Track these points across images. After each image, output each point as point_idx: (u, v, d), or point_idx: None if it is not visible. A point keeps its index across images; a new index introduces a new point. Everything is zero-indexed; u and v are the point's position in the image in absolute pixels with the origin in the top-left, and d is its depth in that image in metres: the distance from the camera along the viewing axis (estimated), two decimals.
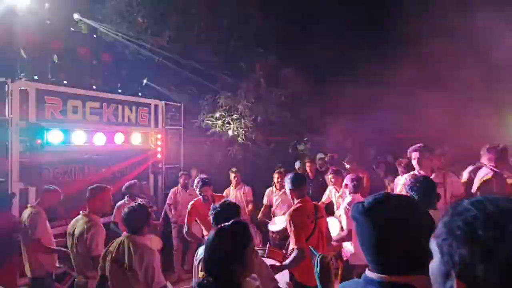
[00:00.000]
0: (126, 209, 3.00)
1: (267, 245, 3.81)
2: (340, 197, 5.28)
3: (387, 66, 8.32)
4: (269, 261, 3.32)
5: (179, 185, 6.50)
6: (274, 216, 6.03)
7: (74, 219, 3.63)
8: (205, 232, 4.73)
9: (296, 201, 3.37)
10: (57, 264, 4.29)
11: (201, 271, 2.65)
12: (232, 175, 6.60)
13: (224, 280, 1.70)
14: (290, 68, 9.18)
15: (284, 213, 5.86)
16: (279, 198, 6.15)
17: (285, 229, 5.27)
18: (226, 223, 1.89)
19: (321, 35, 9.30)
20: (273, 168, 6.98)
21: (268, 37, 9.34)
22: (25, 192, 4.98)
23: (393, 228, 1.11)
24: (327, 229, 3.59)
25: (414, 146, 3.73)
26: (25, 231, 4.06)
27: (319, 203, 3.77)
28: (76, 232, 3.48)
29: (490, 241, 0.69)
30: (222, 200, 3.09)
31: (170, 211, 6.42)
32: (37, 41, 6.19)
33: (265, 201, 6.30)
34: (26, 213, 4.16)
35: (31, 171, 4.96)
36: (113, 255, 2.88)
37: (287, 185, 3.42)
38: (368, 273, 1.18)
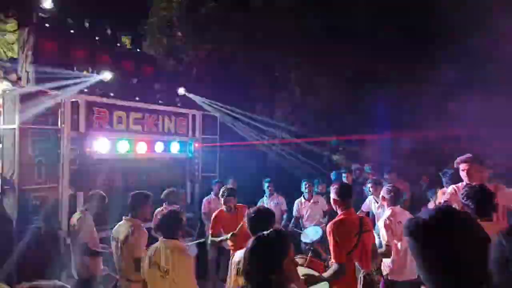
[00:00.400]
0: (159, 216, 3.14)
1: (309, 255, 3.81)
2: (379, 208, 5.13)
3: (426, 74, 8.06)
4: (307, 271, 3.34)
5: (212, 193, 6.54)
6: (304, 228, 5.95)
7: (118, 224, 3.81)
8: (229, 243, 4.77)
9: (340, 213, 3.24)
10: (102, 267, 4.51)
11: (236, 274, 2.70)
12: (266, 185, 6.63)
13: None
14: (326, 77, 9.14)
15: (315, 224, 5.80)
16: (308, 209, 6.08)
17: (317, 242, 5.22)
18: (265, 232, 1.91)
19: (358, 44, 9.20)
20: (308, 178, 6.93)
21: (303, 47, 9.38)
22: (74, 197, 5.30)
23: (460, 245, 1.05)
24: (374, 244, 3.39)
25: (463, 157, 3.55)
26: (74, 234, 4.32)
27: (364, 216, 3.60)
28: (121, 237, 3.64)
29: None
30: (257, 207, 3.11)
31: (206, 219, 6.48)
32: (86, 55, 6.63)
33: (294, 212, 6.25)
34: (75, 217, 4.43)
35: (80, 177, 5.29)
36: (151, 259, 3.01)
37: (332, 195, 3.30)
38: None
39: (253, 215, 2.79)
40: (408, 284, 3.81)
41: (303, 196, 6.22)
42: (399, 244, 3.90)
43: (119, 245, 3.65)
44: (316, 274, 3.19)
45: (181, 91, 7.34)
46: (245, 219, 2.89)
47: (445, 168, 4.92)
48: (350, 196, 3.29)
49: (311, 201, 6.18)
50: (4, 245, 4.87)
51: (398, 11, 8.90)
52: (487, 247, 0.95)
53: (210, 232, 4.74)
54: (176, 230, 3.07)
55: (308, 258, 3.74)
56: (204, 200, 6.54)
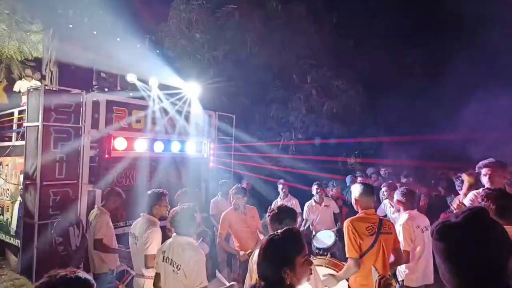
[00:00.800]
0: (172, 212, 3.20)
1: (327, 255, 3.83)
2: (394, 212, 5.05)
3: (442, 79, 7.92)
4: (327, 270, 3.40)
5: (219, 194, 6.44)
6: (315, 231, 5.87)
7: (136, 221, 3.90)
8: (236, 243, 4.78)
9: (360, 212, 3.29)
10: (118, 263, 4.60)
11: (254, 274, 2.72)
12: (280, 187, 6.61)
13: (275, 286, 1.75)
14: (342, 80, 9.07)
15: (326, 228, 5.71)
16: (319, 213, 5.99)
17: (331, 247, 5.17)
18: (279, 230, 1.94)
19: (375, 47, 9.10)
20: (321, 181, 6.89)
21: (320, 49, 9.35)
22: (93, 194, 5.44)
23: (492, 245, 1.04)
24: (397, 249, 3.33)
25: (485, 161, 3.47)
26: (91, 230, 4.43)
27: (385, 218, 3.50)
28: (137, 233, 3.73)
29: None
30: (279, 204, 3.17)
31: (214, 221, 6.24)
32: (108, 57, 6.81)
33: (305, 215, 6.16)
34: (93, 213, 4.54)
35: (99, 175, 5.42)
36: (164, 254, 3.09)
37: (353, 194, 3.35)
38: None
39: (276, 210, 2.80)
40: None
41: (314, 199, 6.13)
42: (417, 249, 3.83)
43: (135, 241, 3.73)
44: (335, 273, 3.22)
45: (197, 91, 7.41)
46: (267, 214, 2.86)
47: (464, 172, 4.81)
48: (371, 196, 3.30)
49: (322, 204, 6.08)
50: (27, 239, 5.05)
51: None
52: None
53: (218, 233, 4.77)
54: (189, 227, 3.12)
55: (327, 258, 3.78)
56: (212, 201, 6.44)
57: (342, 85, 8.94)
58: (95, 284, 1.64)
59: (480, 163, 3.51)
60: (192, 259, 2.92)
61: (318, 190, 6.06)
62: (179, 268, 2.94)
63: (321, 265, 3.61)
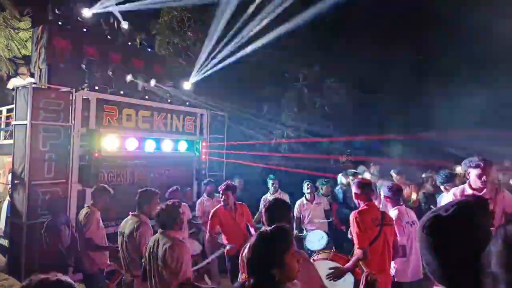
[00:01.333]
0: (158, 208, 3.26)
1: (332, 249, 3.91)
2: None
3: (435, 79, 8.01)
4: (332, 264, 3.54)
5: (204, 194, 6.30)
6: (306, 230, 5.82)
7: (125, 220, 3.87)
8: (225, 240, 4.79)
9: (362, 204, 3.45)
10: (108, 262, 4.56)
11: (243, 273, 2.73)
12: (270, 182, 6.61)
13: (263, 283, 1.76)
14: (334, 79, 9.11)
15: (316, 228, 5.70)
16: (310, 211, 5.95)
17: (323, 250, 5.17)
18: (268, 227, 1.95)
19: (366, 46, 9.15)
20: (313, 179, 6.91)
21: (312, 47, 9.37)
22: (83, 193, 5.38)
23: (479, 236, 1.05)
24: (395, 241, 3.50)
25: (475, 160, 3.47)
26: (81, 229, 4.38)
27: (385, 211, 3.64)
28: (126, 232, 3.70)
29: None
30: (274, 197, 3.21)
31: (203, 224, 5.91)
32: (98, 54, 6.74)
33: (296, 213, 6.04)
34: (83, 212, 4.49)
35: (89, 174, 5.37)
36: (151, 250, 3.12)
37: (354, 189, 3.53)
38: None
39: (271, 205, 2.78)
40: (415, 285, 3.78)
41: (305, 197, 6.11)
42: (407, 245, 3.87)
43: (125, 239, 3.70)
44: (341, 266, 3.33)
45: (189, 89, 7.40)
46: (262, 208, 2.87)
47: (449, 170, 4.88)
48: (370, 189, 3.52)
49: (314, 202, 6.06)
50: (15, 239, 4.99)
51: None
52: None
53: (208, 230, 4.76)
54: (172, 222, 3.13)
55: (332, 252, 3.91)
56: (197, 203, 6.22)
57: (333, 83, 8.98)
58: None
59: (468, 161, 3.49)
60: (175, 252, 2.95)
61: (309, 188, 6.04)
62: (163, 262, 2.98)
63: (326, 259, 3.74)
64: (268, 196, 6.53)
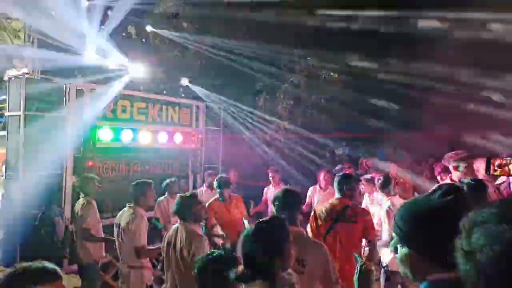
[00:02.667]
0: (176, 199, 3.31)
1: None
2: (373, 202, 5.14)
3: (432, 71, 8.00)
4: None
5: (205, 185, 6.38)
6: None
7: (121, 211, 3.86)
8: (220, 232, 4.79)
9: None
10: (103, 254, 4.57)
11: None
12: (271, 175, 6.62)
13: (261, 274, 1.76)
14: (331, 71, 9.08)
15: None
16: (321, 197, 5.98)
17: None
18: (264, 219, 1.96)
19: (364, 39, 9.10)
20: (309, 172, 6.94)
21: (309, 39, 9.31)
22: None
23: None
24: (347, 237, 3.30)
25: (457, 154, 3.48)
26: (78, 220, 4.37)
27: (353, 207, 3.46)
28: (122, 223, 3.69)
29: None
30: (284, 187, 3.20)
31: None
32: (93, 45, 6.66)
33: (307, 199, 6.17)
34: (80, 204, 4.47)
35: (83, 165, 5.34)
36: (169, 239, 3.17)
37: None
38: (432, 277, 1.14)
39: (280, 194, 2.77)
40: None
41: (319, 185, 6.09)
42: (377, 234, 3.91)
43: (120, 231, 3.70)
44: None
45: (184, 81, 7.35)
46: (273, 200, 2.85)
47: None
48: (344, 183, 3.35)
49: (326, 191, 6.06)
50: (9, 230, 4.96)
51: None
52: None
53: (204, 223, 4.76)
54: (187, 213, 3.17)
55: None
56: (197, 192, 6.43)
57: (330, 76, 8.96)
58: (62, 276, 1.63)
59: (455, 155, 3.47)
60: (195, 245, 2.97)
61: (326, 177, 6.03)
62: (183, 253, 3.01)
63: None
64: (271, 188, 6.51)
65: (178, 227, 3.19)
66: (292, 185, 6.64)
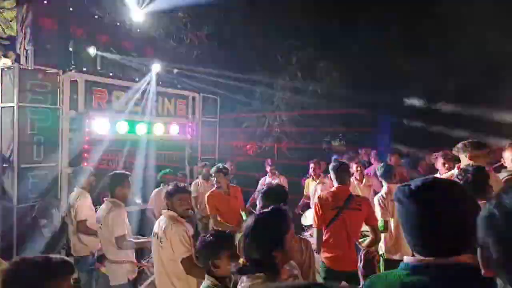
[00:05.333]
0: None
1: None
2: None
3: (429, 64, 7.99)
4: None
5: (200, 176, 6.37)
6: (310, 208, 5.99)
7: (100, 207, 3.82)
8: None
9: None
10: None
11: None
12: (267, 166, 6.64)
13: (263, 266, 1.74)
14: (328, 61, 9.02)
15: None
16: (314, 187, 6.04)
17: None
18: (266, 210, 1.94)
19: (361, 28, 9.03)
20: (306, 164, 6.94)
21: (306, 30, 9.22)
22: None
23: (441, 209, 1.12)
24: (352, 224, 3.47)
25: (462, 146, 3.48)
26: (72, 212, 4.36)
27: (356, 195, 3.72)
28: (101, 217, 3.67)
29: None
30: (269, 183, 3.22)
31: (196, 205, 6.07)
32: (86, 34, 6.54)
33: (306, 191, 6.31)
34: (73, 195, 4.46)
35: (79, 157, 5.31)
36: (154, 230, 3.18)
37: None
38: (409, 259, 1.18)
39: (265, 188, 2.81)
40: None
41: (311, 176, 6.18)
42: (391, 222, 3.95)
43: (100, 225, 3.69)
44: None
45: (180, 71, 7.27)
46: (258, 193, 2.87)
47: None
48: (342, 171, 3.54)
49: (318, 180, 6.11)
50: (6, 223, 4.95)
51: None
52: (471, 215, 0.98)
53: (209, 213, 4.74)
54: (171, 203, 3.16)
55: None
56: (192, 185, 6.22)
57: (327, 67, 8.90)
58: (74, 268, 1.62)
59: (459, 146, 3.48)
60: (173, 232, 2.97)
61: (316, 167, 6.12)
62: (162, 242, 3.02)
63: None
64: (267, 179, 6.55)
65: (160, 218, 3.19)
66: (288, 177, 6.68)
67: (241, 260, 1.85)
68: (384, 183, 4.24)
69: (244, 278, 1.78)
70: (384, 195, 4.04)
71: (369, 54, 8.64)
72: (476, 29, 7.24)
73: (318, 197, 3.51)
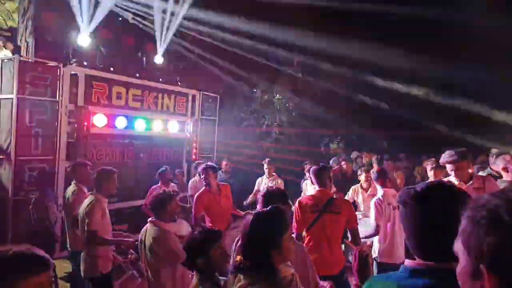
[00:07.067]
0: (151, 197, 3.29)
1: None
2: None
3: (433, 64, 8.00)
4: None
5: (197, 175, 6.18)
6: None
7: (85, 199, 3.78)
8: (208, 224, 4.61)
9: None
10: None
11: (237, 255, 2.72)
12: (265, 165, 6.62)
13: (260, 265, 1.73)
14: (329, 64, 9.03)
15: None
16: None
17: None
18: (264, 209, 1.93)
19: (362, 32, 9.05)
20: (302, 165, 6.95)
21: (308, 31, 9.23)
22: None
23: (445, 213, 1.12)
24: (333, 227, 3.37)
25: (448, 157, 3.47)
26: (68, 207, 4.33)
27: (338, 198, 3.64)
28: (81, 211, 3.68)
29: None
30: (267, 186, 3.17)
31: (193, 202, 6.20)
32: (88, 29, 6.53)
33: (304, 193, 6.27)
34: (70, 190, 4.42)
35: (77, 151, 5.28)
36: (141, 239, 3.14)
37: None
38: (410, 262, 1.17)
39: (265, 193, 2.78)
40: (399, 268, 3.87)
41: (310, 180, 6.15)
42: (388, 226, 3.96)
43: (80, 218, 3.70)
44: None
45: (158, 59, 7.23)
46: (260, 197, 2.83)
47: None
48: (323, 174, 3.47)
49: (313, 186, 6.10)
50: (1, 215, 4.92)
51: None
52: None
53: (193, 215, 4.63)
54: (161, 212, 3.14)
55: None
56: (190, 183, 6.17)
57: (328, 69, 8.92)
58: (53, 264, 1.44)
59: (445, 156, 3.43)
60: (161, 242, 2.97)
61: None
62: (151, 251, 3.00)
63: None
64: (264, 179, 6.53)
65: (147, 226, 3.14)
66: (285, 177, 6.67)
67: (238, 258, 1.84)
68: (379, 187, 4.25)
69: (241, 276, 1.76)
70: (381, 198, 4.05)
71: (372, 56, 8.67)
72: None
73: (298, 201, 3.43)
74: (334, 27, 9.14)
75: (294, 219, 3.28)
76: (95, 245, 3.59)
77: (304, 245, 3.23)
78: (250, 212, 3.42)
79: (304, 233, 3.37)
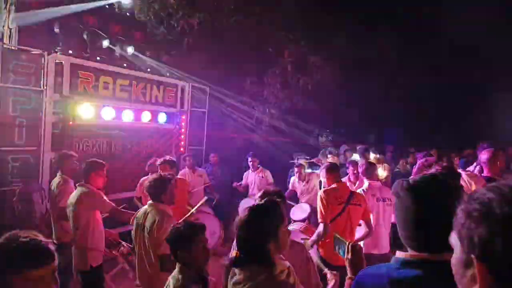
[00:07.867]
0: (147, 180, 3.25)
1: (305, 222, 4.13)
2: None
3: (420, 57, 8.07)
4: (300, 235, 3.82)
5: (186, 167, 6.46)
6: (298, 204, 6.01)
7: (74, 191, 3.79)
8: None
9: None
10: None
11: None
12: (249, 159, 6.65)
13: (257, 258, 1.74)
14: (319, 56, 9.02)
15: (305, 202, 5.86)
16: (303, 188, 6.08)
17: (300, 221, 5.35)
18: (259, 202, 1.95)
19: (352, 24, 9.04)
20: (291, 158, 6.97)
21: (298, 24, 9.18)
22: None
23: (437, 204, 1.13)
24: (367, 220, 3.74)
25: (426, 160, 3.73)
26: (53, 198, 4.26)
27: (355, 191, 3.91)
28: (71, 203, 3.68)
29: (506, 216, 0.72)
30: (263, 190, 3.03)
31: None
32: (72, 16, 6.35)
33: (290, 188, 6.31)
34: (55, 181, 4.35)
35: (62, 142, 5.18)
36: (138, 221, 3.13)
37: (322, 173, 3.87)
38: (401, 254, 1.18)
39: (262, 194, 2.73)
40: (384, 259, 3.95)
41: (298, 176, 6.13)
42: (371, 217, 4.03)
43: (70, 208, 3.70)
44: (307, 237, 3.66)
45: (130, 50, 7.16)
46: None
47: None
48: (337, 170, 3.83)
49: (304, 181, 6.13)
50: None
51: None
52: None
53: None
54: (160, 194, 3.13)
55: (305, 224, 4.28)
56: (180, 173, 6.23)
57: (318, 62, 8.90)
58: (55, 254, 1.44)
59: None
60: (164, 225, 2.92)
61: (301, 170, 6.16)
62: (150, 232, 2.99)
63: (297, 229, 4.01)
64: (250, 173, 6.56)
65: (147, 209, 3.14)
66: (272, 171, 6.70)
67: (234, 251, 1.84)
68: (365, 180, 4.34)
69: (236, 270, 1.77)
70: (365, 190, 4.15)
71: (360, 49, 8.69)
72: None
73: (324, 192, 3.63)
74: (326, 18, 9.13)
75: (320, 209, 3.52)
76: (87, 237, 3.59)
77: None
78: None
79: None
